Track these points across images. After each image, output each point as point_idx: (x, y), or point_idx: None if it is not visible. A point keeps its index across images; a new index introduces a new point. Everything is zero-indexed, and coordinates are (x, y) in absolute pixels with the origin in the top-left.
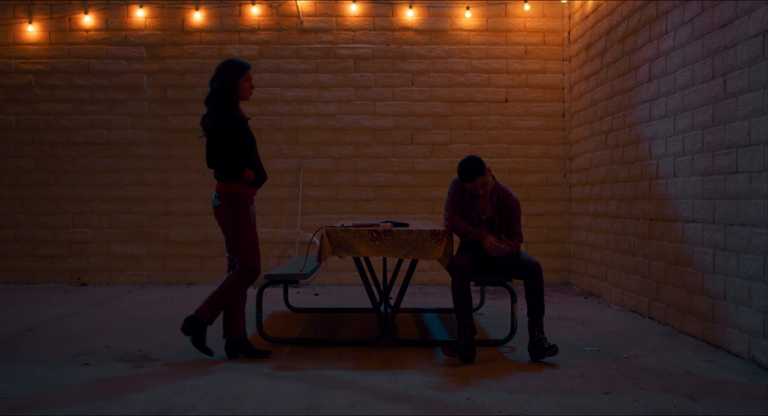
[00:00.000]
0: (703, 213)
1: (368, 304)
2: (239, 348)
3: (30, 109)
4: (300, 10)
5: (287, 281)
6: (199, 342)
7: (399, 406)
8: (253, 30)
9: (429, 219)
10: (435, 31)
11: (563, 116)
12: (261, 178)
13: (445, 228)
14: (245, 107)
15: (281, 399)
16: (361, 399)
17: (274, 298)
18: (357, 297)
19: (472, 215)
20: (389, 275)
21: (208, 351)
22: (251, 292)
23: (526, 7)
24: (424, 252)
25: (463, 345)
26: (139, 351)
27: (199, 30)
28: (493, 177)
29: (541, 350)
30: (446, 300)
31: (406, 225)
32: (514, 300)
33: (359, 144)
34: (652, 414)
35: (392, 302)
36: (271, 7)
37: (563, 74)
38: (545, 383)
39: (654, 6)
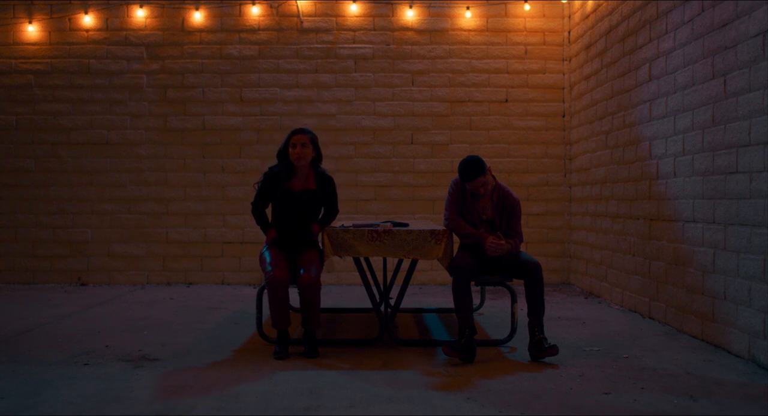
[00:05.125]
0: (703, 213)
1: (368, 304)
2: (308, 341)
3: (30, 109)
4: (300, 10)
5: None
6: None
7: (399, 406)
8: (253, 30)
9: (429, 219)
10: (435, 31)
11: (563, 116)
12: (282, 237)
13: (444, 228)
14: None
15: (281, 398)
16: (361, 399)
17: None
18: (357, 297)
19: (473, 215)
20: (389, 275)
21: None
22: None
23: (526, 7)
24: (424, 252)
25: (463, 345)
26: (139, 351)
27: (199, 30)
28: (493, 177)
29: (541, 350)
30: (446, 300)
31: (406, 225)
32: (514, 300)
33: (359, 144)
34: (652, 414)
35: (392, 302)
36: (271, 7)
37: (563, 74)
38: (545, 383)
39: (654, 6)
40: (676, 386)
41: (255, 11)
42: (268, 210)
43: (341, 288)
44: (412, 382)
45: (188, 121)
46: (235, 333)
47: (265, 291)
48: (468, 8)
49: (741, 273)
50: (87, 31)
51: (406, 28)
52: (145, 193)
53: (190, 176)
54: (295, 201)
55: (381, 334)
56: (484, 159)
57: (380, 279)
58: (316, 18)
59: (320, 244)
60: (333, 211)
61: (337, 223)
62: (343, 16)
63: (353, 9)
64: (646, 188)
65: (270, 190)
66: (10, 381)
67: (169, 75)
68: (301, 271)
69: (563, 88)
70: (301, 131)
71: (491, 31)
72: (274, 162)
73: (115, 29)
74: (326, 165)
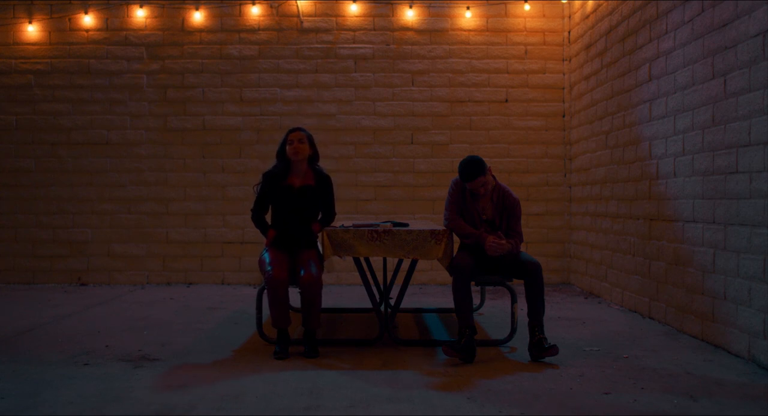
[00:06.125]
0: (703, 213)
1: (368, 304)
2: (308, 341)
3: (30, 109)
4: (300, 10)
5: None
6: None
7: (399, 406)
8: (253, 30)
9: (429, 219)
10: (435, 31)
11: (563, 116)
12: (282, 237)
13: (444, 228)
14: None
15: (281, 399)
16: (361, 399)
17: None
18: (357, 297)
19: (473, 215)
20: (389, 275)
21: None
22: (253, 293)
23: (526, 7)
24: (424, 252)
25: (463, 345)
26: (139, 351)
27: (199, 30)
28: (493, 177)
29: (541, 350)
30: (446, 300)
31: (406, 225)
32: (514, 301)
33: (359, 144)
34: (652, 414)
35: (392, 302)
36: (271, 7)
37: (563, 74)
38: (545, 383)
39: (654, 6)
40: (676, 386)
41: (255, 11)
42: (267, 215)
43: (341, 288)
44: (412, 382)
45: (188, 121)
46: (235, 333)
47: (265, 291)
48: (468, 8)
49: (741, 273)
50: (87, 31)
51: (406, 28)
52: (145, 193)
53: (190, 176)
54: (295, 198)
55: (381, 334)
56: (484, 159)
57: (380, 279)
58: (316, 18)
59: (319, 245)
60: (331, 213)
61: (337, 223)
62: (343, 16)
63: (353, 9)
64: (646, 188)
65: (270, 190)
66: (10, 381)
67: (169, 75)
68: (302, 271)
69: (563, 88)
70: (297, 129)
71: (491, 31)
72: (273, 162)
73: (115, 29)
74: (326, 165)
